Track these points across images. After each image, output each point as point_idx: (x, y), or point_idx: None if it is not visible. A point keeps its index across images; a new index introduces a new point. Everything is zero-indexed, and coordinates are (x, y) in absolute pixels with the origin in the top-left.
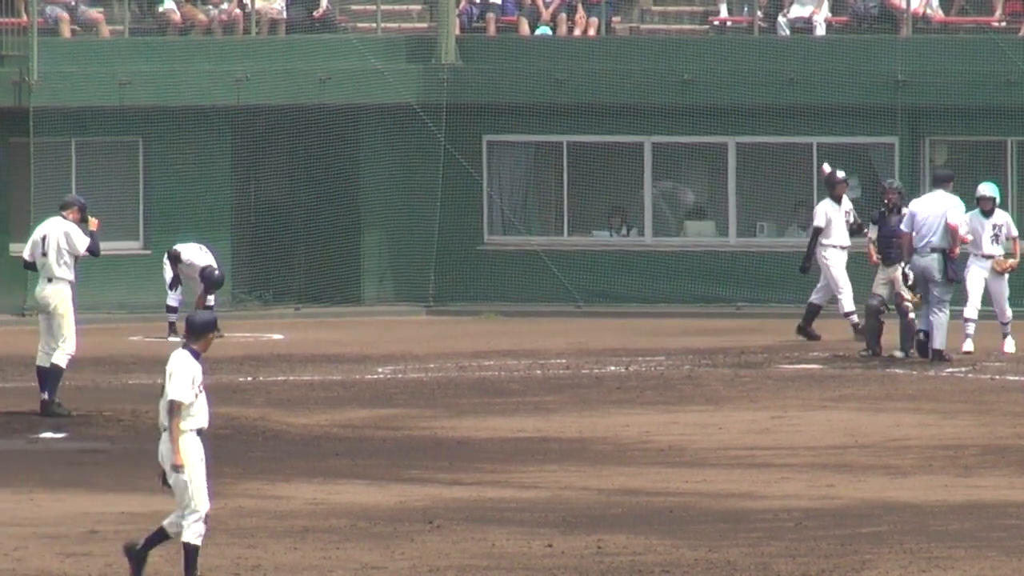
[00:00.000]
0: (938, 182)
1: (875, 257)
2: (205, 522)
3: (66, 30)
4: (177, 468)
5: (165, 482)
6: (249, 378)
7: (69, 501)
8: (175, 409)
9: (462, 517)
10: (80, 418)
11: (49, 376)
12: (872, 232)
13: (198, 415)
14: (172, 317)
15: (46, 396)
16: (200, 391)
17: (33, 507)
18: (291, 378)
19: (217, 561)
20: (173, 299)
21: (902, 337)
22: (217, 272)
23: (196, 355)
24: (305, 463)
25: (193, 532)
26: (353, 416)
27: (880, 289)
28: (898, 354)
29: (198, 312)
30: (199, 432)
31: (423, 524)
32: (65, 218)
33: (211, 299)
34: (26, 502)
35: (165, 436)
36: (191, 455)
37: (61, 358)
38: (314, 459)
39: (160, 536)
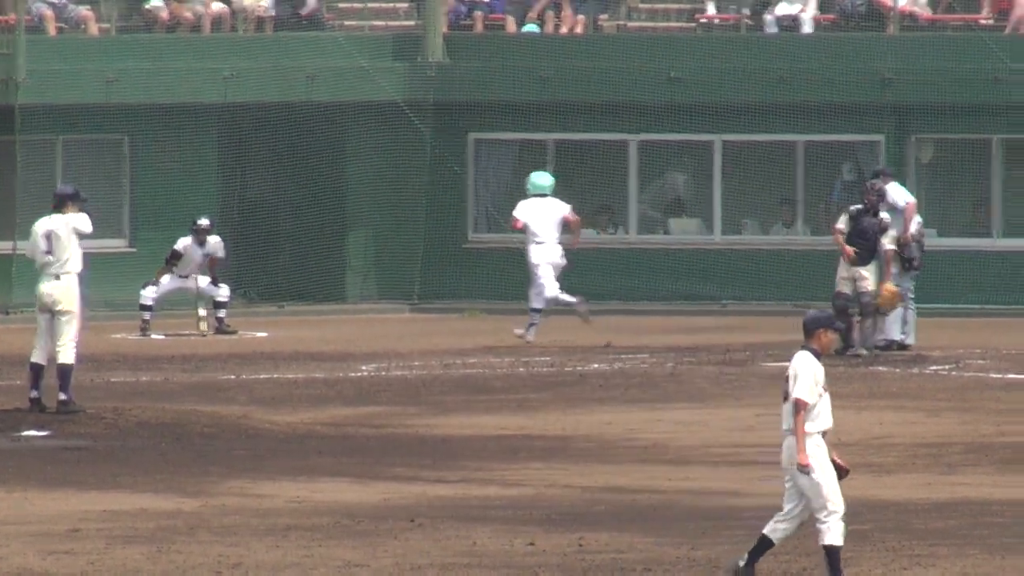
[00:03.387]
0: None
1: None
2: (843, 520)
3: (51, 28)
4: (803, 469)
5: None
6: (232, 376)
7: (51, 499)
8: (799, 409)
9: (445, 515)
10: (63, 416)
11: (63, 376)
12: (843, 223)
13: (821, 417)
14: (146, 315)
15: (63, 396)
16: (824, 392)
17: (15, 505)
18: (274, 376)
19: (199, 559)
20: (147, 297)
21: (864, 335)
22: (205, 222)
23: (817, 355)
24: (288, 461)
25: (836, 533)
26: (336, 414)
27: (845, 287)
28: (864, 352)
29: (810, 311)
30: (823, 434)
31: (406, 522)
32: (64, 213)
33: (224, 290)
34: (8, 500)
35: (790, 439)
36: (818, 457)
37: (70, 355)
38: (297, 457)
39: (764, 544)
